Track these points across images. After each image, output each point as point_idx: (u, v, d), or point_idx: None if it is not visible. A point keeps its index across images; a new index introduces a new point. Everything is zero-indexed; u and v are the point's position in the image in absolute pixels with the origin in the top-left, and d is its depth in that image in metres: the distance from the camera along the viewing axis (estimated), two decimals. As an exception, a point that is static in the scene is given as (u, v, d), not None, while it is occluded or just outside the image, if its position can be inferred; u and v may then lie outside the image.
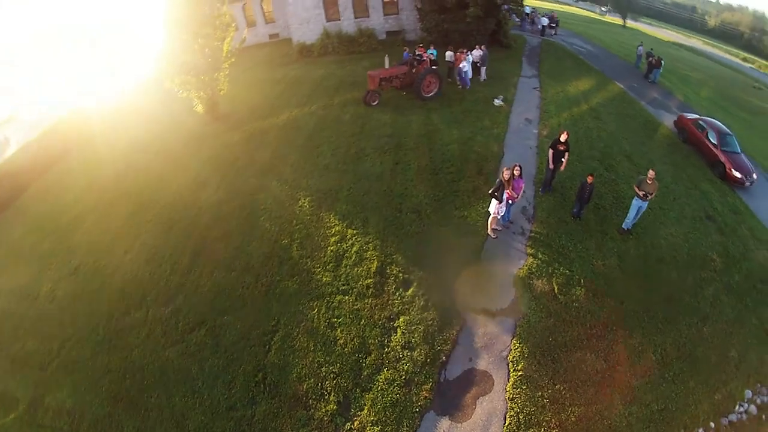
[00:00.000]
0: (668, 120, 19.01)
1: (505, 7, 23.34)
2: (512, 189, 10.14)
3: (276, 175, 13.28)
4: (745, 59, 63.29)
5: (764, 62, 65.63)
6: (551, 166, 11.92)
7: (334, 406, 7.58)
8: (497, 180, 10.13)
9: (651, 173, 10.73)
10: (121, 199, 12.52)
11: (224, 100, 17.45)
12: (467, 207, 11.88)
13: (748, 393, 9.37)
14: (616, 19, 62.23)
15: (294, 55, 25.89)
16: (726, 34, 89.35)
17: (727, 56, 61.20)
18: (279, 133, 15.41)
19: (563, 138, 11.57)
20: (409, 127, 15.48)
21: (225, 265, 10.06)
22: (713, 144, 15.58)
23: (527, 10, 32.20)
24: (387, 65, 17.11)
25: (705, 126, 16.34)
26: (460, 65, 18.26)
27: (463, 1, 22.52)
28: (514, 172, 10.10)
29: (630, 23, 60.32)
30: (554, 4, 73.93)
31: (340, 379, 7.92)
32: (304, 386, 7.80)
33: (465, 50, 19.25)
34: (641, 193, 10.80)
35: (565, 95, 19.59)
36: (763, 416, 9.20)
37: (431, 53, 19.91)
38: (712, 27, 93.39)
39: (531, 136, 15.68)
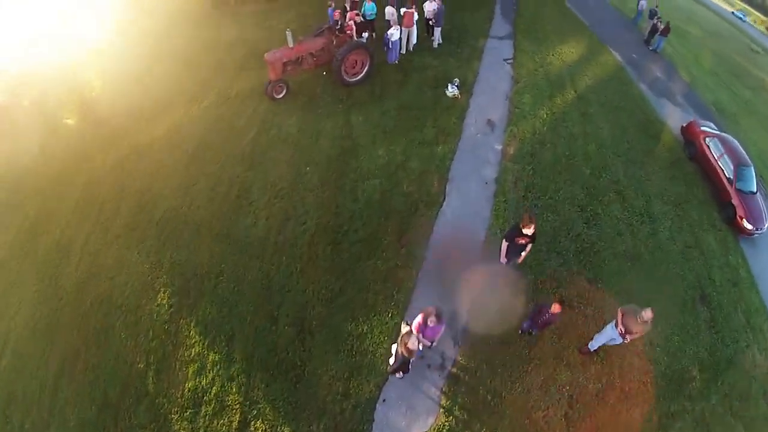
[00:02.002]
0: (672, 115, 14.18)
1: None
2: (424, 336, 5.77)
3: (138, 238, 8.80)
4: (741, 10, 54.81)
5: (759, 15, 57.67)
6: (504, 259, 7.34)
7: None
8: (396, 352, 5.68)
9: (647, 314, 6.44)
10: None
11: (105, 96, 11.74)
12: (369, 315, 7.55)
13: None
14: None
15: (208, 4, 18.05)
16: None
17: (720, 3, 52.56)
18: (155, 154, 10.40)
19: (528, 230, 6.83)
20: (317, 145, 10.28)
21: (86, 393, 7.28)
22: (727, 178, 11.37)
23: None
24: (290, 43, 10.90)
25: (721, 149, 11.82)
26: (388, 33, 12.17)
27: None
28: (429, 321, 5.60)
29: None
30: None
31: None
32: None
33: (413, 5, 12.83)
34: (621, 329, 6.66)
35: (546, 73, 14.00)
36: None
37: (366, 12, 13.43)
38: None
39: (491, 156, 10.68)
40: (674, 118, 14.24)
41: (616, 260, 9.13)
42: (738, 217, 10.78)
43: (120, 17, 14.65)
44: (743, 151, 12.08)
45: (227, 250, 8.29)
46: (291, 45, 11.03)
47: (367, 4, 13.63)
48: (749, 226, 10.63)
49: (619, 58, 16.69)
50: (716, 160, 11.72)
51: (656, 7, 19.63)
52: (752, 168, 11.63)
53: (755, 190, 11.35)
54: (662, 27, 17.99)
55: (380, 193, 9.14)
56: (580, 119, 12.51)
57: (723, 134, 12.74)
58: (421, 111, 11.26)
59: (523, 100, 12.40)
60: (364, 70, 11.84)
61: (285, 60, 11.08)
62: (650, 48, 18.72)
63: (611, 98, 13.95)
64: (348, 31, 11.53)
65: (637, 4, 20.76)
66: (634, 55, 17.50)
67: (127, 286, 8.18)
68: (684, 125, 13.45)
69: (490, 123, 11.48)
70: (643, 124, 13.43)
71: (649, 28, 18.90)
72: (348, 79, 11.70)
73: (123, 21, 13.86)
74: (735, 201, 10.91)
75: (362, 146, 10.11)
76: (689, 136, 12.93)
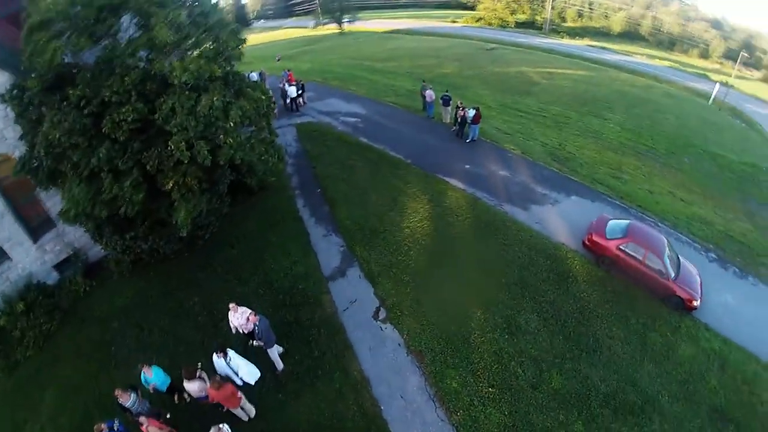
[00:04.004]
0: (552, 220, 12.18)
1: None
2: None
3: None
4: (453, 21, 63.66)
5: (463, 12, 67.30)
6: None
7: None
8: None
9: None
10: None
11: None
12: None
13: None
14: (333, 28, 53.84)
15: None
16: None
17: (443, 24, 59.95)
18: None
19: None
20: None
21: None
22: (662, 274, 9.77)
23: (254, 76, 18.85)
24: None
25: (641, 250, 10.03)
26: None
27: (159, 195, 9.65)
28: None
29: (347, 26, 53.06)
30: (264, 34, 61.51)
31: None
32: None
33: (197, 369, 7.28)
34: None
35: (418, 292, 9.95)
36: None
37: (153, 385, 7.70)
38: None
39: None
40: (555, 223, 12.06)
41: None
42: (687, 303, 9.55)
43: None
44: (660, 236, 10.62)
45: None
46: None
47: (146, 374, 7.48)
48: (697, 303, 9.55)
49: (462, 186, 13.71)
50: (642, 263, 9.97)
51: (447, 92, 18.26)
52: (667, 248, 10.18)
53: (681, 259, 10.36)
54: (473, 115, 15.85)
55: None
56: (506, 336, 8.75)
57: (633, 228, 10.74)
58: None
59: (450, 385, 7.68)
60: None
61: None
62: (467, 141, 16.57)
63: (510, 263, 10.72)
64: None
65: (423, 96, 18.83)
66: (467, 166, 14.87)
67: None
68: (585, 240, 11.17)
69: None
70: (551, 269, 10.56)
71: (454, 119, 16.81)
72: None
73: None
74: (679, 291, 9.58)
75: None
76: (597, 250, 10.82)
